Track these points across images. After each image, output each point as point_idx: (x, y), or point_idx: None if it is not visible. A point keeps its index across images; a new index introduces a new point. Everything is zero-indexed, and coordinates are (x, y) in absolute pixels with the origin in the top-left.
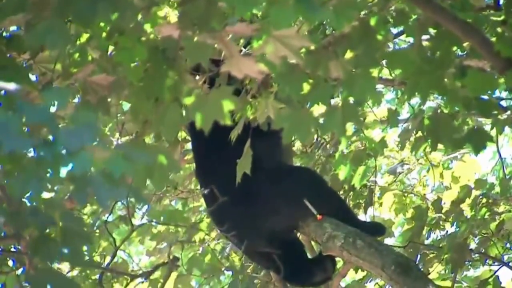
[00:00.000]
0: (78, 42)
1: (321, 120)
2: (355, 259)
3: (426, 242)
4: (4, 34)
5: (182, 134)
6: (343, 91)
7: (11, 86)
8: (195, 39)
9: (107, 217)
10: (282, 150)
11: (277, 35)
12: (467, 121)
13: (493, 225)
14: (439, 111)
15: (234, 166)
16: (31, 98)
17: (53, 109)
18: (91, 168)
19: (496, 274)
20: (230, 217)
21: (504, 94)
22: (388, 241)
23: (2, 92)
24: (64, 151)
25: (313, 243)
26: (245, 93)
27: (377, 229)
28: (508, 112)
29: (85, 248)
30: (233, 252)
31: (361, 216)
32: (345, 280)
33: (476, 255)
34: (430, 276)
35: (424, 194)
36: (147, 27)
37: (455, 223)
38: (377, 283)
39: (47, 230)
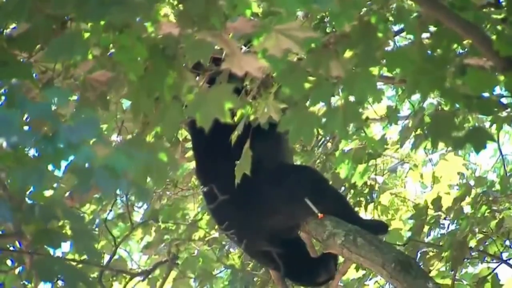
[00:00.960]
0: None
1: (322, 120)
2: (355, 257)
3: (426, 240)
4: (5, 32)
5: (183, 132)
6: (343, 90)
7: (13, 82)
8: (195, 37)
9: (107, 215)
10: (283, 149)
11: (279, 29)
12: (468, 118)
13: (493, 223)
14: (439, 108)
15: (234, 165)
16: (32, 96)
17: (54, 107)
18: (92, 161)
19: (495, 271)
20: (230, 216)
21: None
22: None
23: (4, 89)
24: (65, 146)
25: (313, 241)
26: (245, 94)
27: (380, 227)
28: (509, 110)
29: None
30: (233, 250)
31: (362, 215)
32: (345, 278)
33: (475, 252)
34: (430, 274)
35: (404, 196)
36: (147, 25)
37: (455, 221)
38: (377, 281)
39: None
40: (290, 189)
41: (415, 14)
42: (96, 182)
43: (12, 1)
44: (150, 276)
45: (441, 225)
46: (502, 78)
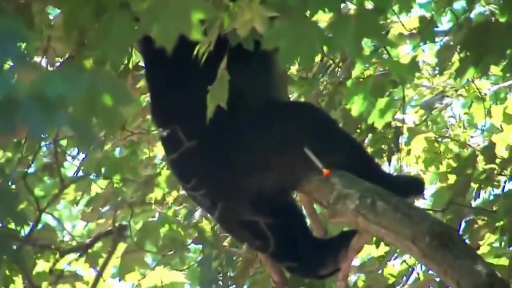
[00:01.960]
0: None
1: (328, 35)
2: (375, 228)
3: (474, 204)
4: None
5: (134, 57)
6: None
7: None
8: None
9: (28, 168)
10: (274, 78)
11: None
12: None
13: None
14: (492, 19)
15: (205, 99)
16: None
17: None
18: (16, 90)
19: None
20: (198, 170)
21: None
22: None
23: None
24: None
25: (316, 206)
26: None
27: (412, 185)
28: None
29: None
30: (204, 219)
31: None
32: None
33: None
34: (479, 251)
35: (465, 140)
36: None
37: None
38: (404, 260)
39: None
40: (283, 135)
41: None
42: (23, 117)
43: None
44: (89, 251)
45: (495, 183)
46: None
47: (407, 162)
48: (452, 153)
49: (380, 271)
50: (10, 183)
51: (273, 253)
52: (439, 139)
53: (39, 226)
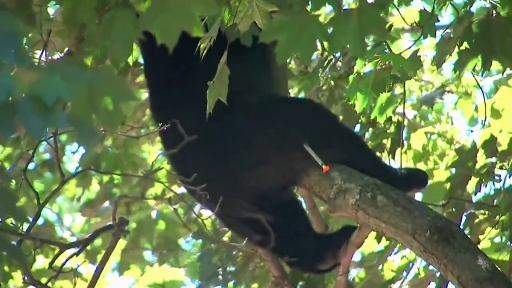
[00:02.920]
0: None
1: (329, 30)
2: (375, 222)
3: (474, 198)
4: None
5: (135, 54)
6: None
7: None
8: None
9: (27, 163)
10: (273, 73)
11: None
12: None
13: None
14: (493, 13)
15: (204, 95)
16: None
17: None
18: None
19: None
20: (198, 166)
21: None
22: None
23: None
24: None
25: (316, 201)
26: None
27: (415, 178)
28: None
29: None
30: (203, 214)
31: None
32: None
33: None
34: (481, 246)
35: (452, 137)
36: None
37: None
38: (405, 256)
39: None
40: (282, 131)
41: None
42: (21, 119)
43: None
44: (88, 247)
45: (496, 177)
46: None
47: (407, 158)
48: (441, 150)
49: (380, 267)
50: (9, 180)
51: (273, 248)
52: (427, 135)
53: (40, 221)
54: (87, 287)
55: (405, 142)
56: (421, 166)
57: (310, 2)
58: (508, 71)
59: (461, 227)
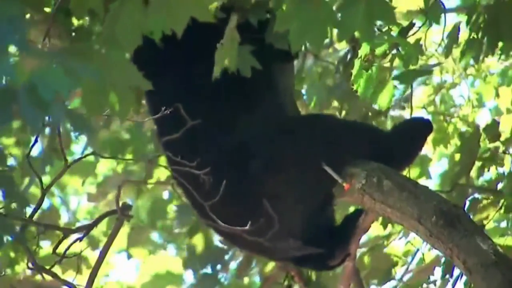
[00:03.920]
0: None
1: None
2: (380, 207)
3: (478, 183)
4: None
5: None
6: None
7: None
8: None
9: (31, 148)
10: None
11: None
12: None
13: None
14: None
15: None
16: None
17: None
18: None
19: None
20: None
21: None
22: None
23: None
24: None
25: None
26: None
27: (420, 126)
28: None
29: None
30: None
31: None
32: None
33: None
34: (486, 229)
35: (473, 120)
36: None
37: None
38: (409, 241)
39: None
40: (299, 155)
41: None
42: (19, 110)
43: None
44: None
45: (499, 162)
46: None
47: None
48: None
49: (385, 250)
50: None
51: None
52: (447, 119)
53: (45, 206)
54: (92, 271)
55: None
56: (441, 149)
57: None
58: None
59: (466, 211)
